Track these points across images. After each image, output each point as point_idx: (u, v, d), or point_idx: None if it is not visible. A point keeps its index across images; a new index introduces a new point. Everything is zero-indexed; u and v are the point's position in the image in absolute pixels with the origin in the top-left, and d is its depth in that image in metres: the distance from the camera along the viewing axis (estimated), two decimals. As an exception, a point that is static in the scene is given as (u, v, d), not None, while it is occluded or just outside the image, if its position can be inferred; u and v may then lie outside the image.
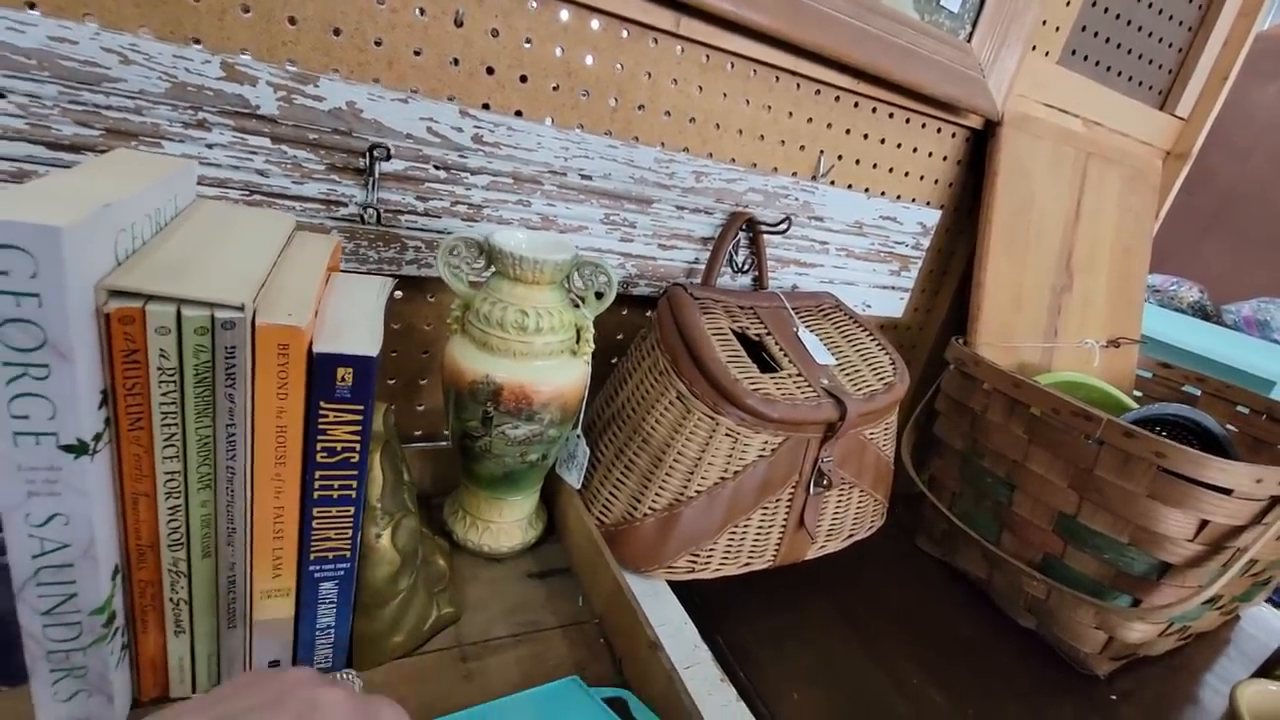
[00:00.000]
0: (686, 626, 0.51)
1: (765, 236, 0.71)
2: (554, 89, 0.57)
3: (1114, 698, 0.63)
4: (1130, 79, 0.94)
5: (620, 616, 0.47)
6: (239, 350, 0.30)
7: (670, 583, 0.56)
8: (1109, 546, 0.60)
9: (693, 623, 0.52)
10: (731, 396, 0.52)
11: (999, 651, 0.66)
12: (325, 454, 0.35)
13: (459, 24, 0.51)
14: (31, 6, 0.40)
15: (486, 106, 0.55)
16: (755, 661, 0.56)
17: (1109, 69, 0.91)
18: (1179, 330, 1.61)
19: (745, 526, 0.56)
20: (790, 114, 0.69)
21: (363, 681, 0.28)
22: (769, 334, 0.61)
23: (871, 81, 0.70)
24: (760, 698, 0.53)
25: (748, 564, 0.58)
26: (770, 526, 0.58)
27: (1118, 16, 0.88)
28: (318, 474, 0.35)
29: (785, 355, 0.59)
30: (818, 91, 0.70)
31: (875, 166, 0.78)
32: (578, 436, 0.55)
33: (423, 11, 0.50)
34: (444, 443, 0.63)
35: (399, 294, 0.58)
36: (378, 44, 0.49)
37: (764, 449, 0.54)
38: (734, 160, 0.68)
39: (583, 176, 0.59)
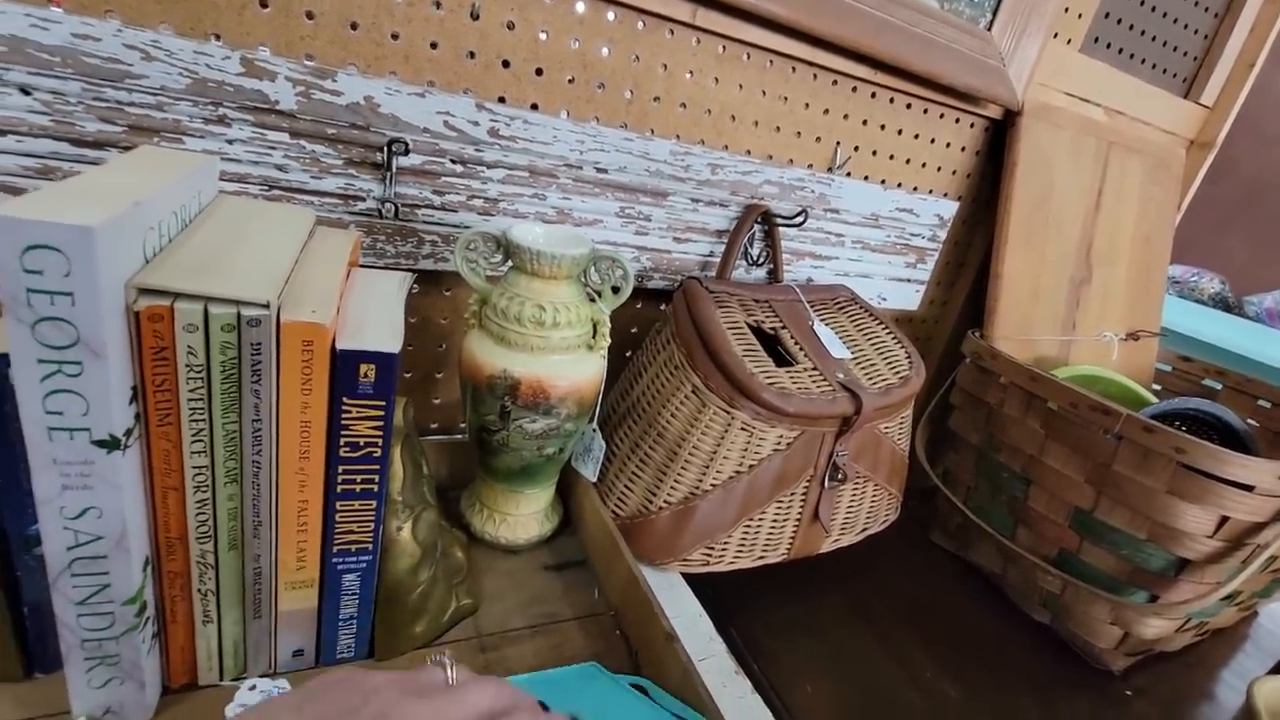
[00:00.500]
0: (702, 619, 0.52)
1: (780, 229, 0.70)
2: (570, 81, 0.57)
3: (1129, 693, 0.63)
4: (1154, 66, 0.92)
5: (636, 608, 0.47)
6: (264, 347, 0.31)
7: (685, 575, 0.56)
8: (1126, 542, 0.59)
9: (707, 615, 0.52)
10: (747, 391, 0.52)
11: (1012, 645, 0.66)
12: (348, 449, 0.35)
13: (475, 17, 0.51)
14: (55, 4, 0.40)
15: (502, 100, 0.55)
16: (768, 654, 0.57)
17: (1132, 56, 0.89)
18: (1199, 322, 1.58)
19: (760, 520, 0.56)
20: (807, 105, 0.68)
21: (452, 662, 0.28)
22: (784, 327, 0.61)
23: (890, 72, 0.69)
24: (773, 689, 0.53)
25: (762, 557, 0.59)
26: (785, 520, 0.58)
27: (1142, 2, 0.86)
28: (341, 469, 0.36)
29: (801, 349, 0.59)
30: (835, 82, 0.69)
31: (892, 158, 0.77)
32: (594, 430, 0.56)
33: (439, 5, 0.50)
34: (460, 436, 0.64)
35: (416, 288, 0.59)
36: (394, 37, 0.49)
37: (779, 443, 0.54)
38: (750, 152, 0.68)
39: (598, 170, 0.59)
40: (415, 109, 0.50)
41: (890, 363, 0.62)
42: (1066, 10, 0.79)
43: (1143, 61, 0.91)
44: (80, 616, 0.31)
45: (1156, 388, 0.93)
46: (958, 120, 0.79)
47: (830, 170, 0.73)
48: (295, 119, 0.47)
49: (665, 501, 0.55)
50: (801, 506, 0.58)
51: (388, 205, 0.52)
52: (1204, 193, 1.04)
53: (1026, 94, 0.78)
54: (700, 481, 0.54)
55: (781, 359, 0.58)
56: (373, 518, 0.38)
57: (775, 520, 0.57)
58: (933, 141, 0.79)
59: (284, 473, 0.34)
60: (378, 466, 0.36)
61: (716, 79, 0.62)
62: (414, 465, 0.43)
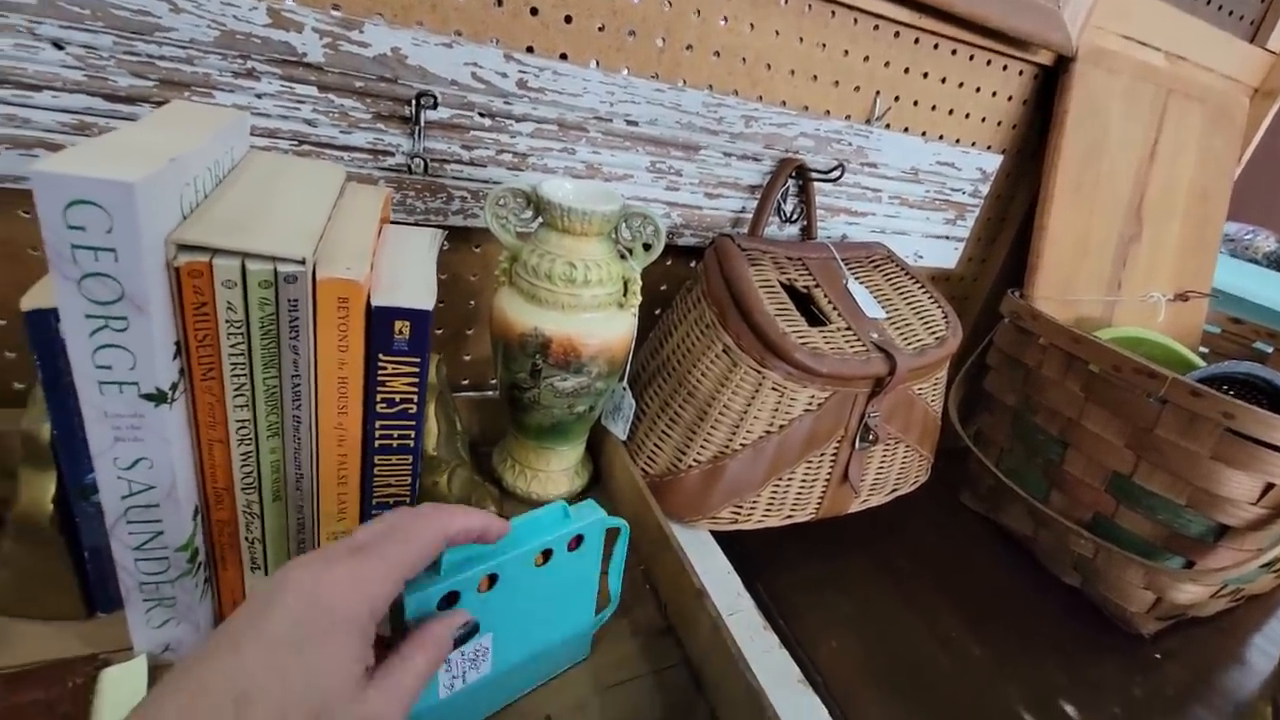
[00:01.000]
0: (730, 576, 0.52)
1: (815, 185, 0.68)
2: (599, 29, 0.55)
3: (1158, 656, 0.62)
4: (1220, 8, 0.86)
5: (666, 564, 0.48)
6: (301, 303, 0.31)
7: (712, 533, 0.57)
8: (1164, 507, 0.58)
9: (735, 572, 0.53)
10: (779, 350, 0.51)
11: (1041, 608, 0.66)
12: (385, 404, 0.36)
13: (503, -39, 0.49)
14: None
15: (530, 50, 0.53)
16: (795, 610, 0.57)
17: (1198, -4, 0.83)
18: (1251, 283, 1.51)
19: (789, 480, 0.56)
20: (846, 52, 0.65)
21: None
22: (817, 286, 0.59)
23: (934, 15, 0.66)
24: (799, 645, 0.54)
25: (790, 516, 0.59)
26: (814, 480, 0.58)
27: (1214, -65, 0.80)
28: (378, 424, 0.36)
29: (834, 308, 0.58)
30: (876, 27, 0.65)
31: (934, 108, 0.74)
32: (624, 389, 0.56)
33: (466, -51, 0.48)
34: (491, 393, 0.64)
35: (445, 245, 0.58)
36: (421, -15, 0.48)
37: (810, 403, 0.54)
38: (785, 103, 0.65)
39: (628, 122, 0.57)
40: (443, 60, 0.49)
41: (926, 323, 0.61)
42: (1130, -55, 0.73)
43: (1208, 2, 0.85)
44: (138, 561, 0.33)
45: (1204, 350, 0.89)
46: (1005, 67, 0.75)
47: (869, 121, 0.70)
48: (323, 72, 0.46)
49: (695, 460, 0.55)
50: (831, 467, 0.58)
51: (416, 160, 0.51)
52: (1266, 145, 0.98)
53: (1081, 38, 0.73)
54: (730, 441, 0.54)
55: (814, 318, 0.57)
56: (409, 472, 0.39)
57: (804, 480, 0.57)
58: (978, 90, 0.75)
59: (323, 428, 0.35)
60: (413, 423, 0.37)
61: (752, 25, 0.60)
62: (447, 421, 0.44)
